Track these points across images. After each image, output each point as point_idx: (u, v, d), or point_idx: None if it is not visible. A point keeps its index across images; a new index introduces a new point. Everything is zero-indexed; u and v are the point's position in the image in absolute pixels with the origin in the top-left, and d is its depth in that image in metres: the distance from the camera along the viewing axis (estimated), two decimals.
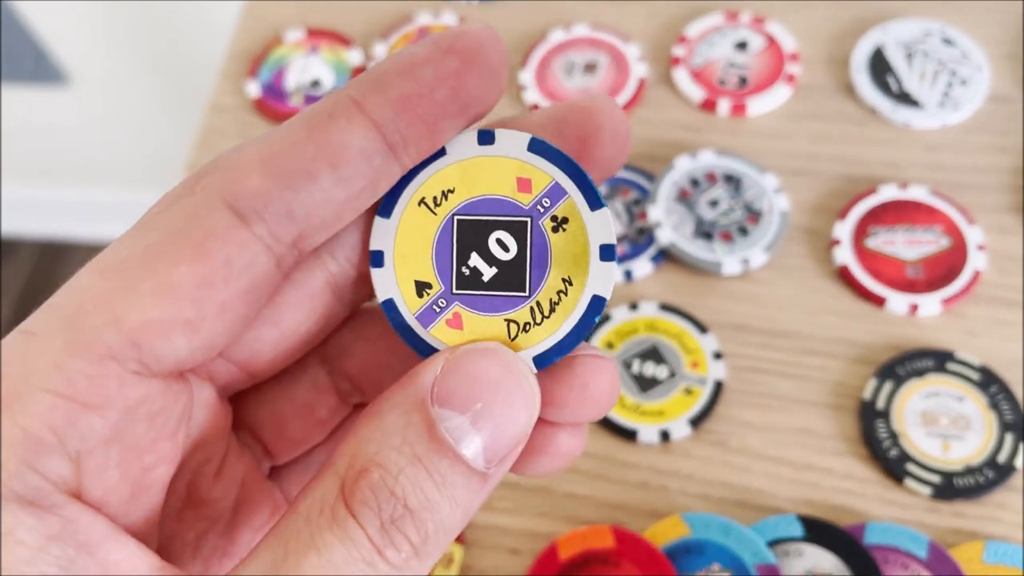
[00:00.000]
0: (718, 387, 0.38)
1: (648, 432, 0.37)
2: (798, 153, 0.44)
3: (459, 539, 0.36)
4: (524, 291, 0.18)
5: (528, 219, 0.18)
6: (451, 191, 0.18)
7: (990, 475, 0.35)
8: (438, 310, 0.19)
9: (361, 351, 0.21)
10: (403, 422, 0.16)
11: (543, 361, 0.18)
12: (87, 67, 1.06)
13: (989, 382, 0.37)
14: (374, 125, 0.17)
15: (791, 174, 0.43)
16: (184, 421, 0.18)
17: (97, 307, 0.15)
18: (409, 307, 0.19)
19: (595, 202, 0.18)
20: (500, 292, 0.18)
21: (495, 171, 0.18)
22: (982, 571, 0.33)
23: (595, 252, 0.18)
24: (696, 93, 0.46)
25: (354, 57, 0.50)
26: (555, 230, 0.18)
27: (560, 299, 0.18)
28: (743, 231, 0.41)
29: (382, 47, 0.50)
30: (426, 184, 0.18)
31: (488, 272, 0.18)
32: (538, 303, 0.18)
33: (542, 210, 0.18)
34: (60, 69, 1.06)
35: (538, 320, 0.18)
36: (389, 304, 0.19)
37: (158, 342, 0.16)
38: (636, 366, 0.39)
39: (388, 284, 0.19)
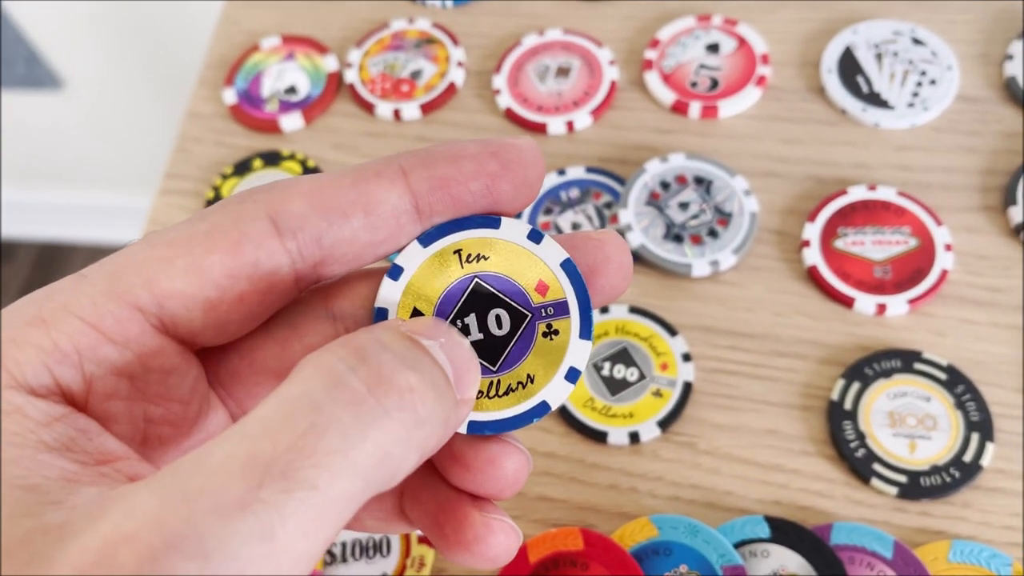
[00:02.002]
0: (687, 389, 0.38)
1: (618, 434, 0.37)
2: (768, 155, 0.44)
3: (430, 542, 0.36)
4: (493, 366, 0.20)
5: (530, 315, 0.21)
6: (485, 257, 0.21)
7: (956, 475, 0.35)
8: None
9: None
10: (387, 336, 0.18)
11: (477, 428, 0.20)
12: (81, 71, 1.06)
13: (956, 382, 0.37)
14: (410, 192, 0.20)
15: (761, 176, 0.44)
16: (197, 395, 0.20)
17: (137, 269, 0.18)
18: None
19: (586, 333, 0.20)
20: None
21: (527, 264, 0.21)
22: (948, 570, 0.33)
23: (563, 369, 0.20)
24: (667, 96, 0.46)
25: (330, 63, 0.50)
26: (544, 335, 0.20)
27: (517, 388, 0.20)
28: (713, 233, 0.41)
29: (357, 54, 0.50)
30: (469, 240, 0.21)
31: (475, 335, 0.20)
32: (499, 381, 0.20)
33: (544, 315, 0.21)
34: (54, 74, 1.06)
35: (490, 395, 0.20)
36: (381, 312, 0.20)
37: (179, 309, 0.18)
38: (606, 368, 0.39)
39: (391, 296, 0.21)
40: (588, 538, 0.35)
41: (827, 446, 0.37)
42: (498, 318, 0.20)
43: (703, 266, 0.41)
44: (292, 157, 0.47)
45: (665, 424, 0.37)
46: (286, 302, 0.20)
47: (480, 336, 0.20)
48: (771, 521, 0.34)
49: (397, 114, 0.48)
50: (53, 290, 0.18)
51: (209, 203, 0.46)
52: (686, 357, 0.39)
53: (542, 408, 0.20)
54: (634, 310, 0.40)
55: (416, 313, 0.20)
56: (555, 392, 0.20)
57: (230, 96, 0.50)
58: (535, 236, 0.21)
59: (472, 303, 0.21)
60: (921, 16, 0.47)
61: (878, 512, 0.35)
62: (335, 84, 0.50)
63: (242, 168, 0.47)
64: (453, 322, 0.20)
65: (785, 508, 0.36)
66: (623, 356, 0.39)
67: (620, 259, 0.21)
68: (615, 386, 0.38)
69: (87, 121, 1.14)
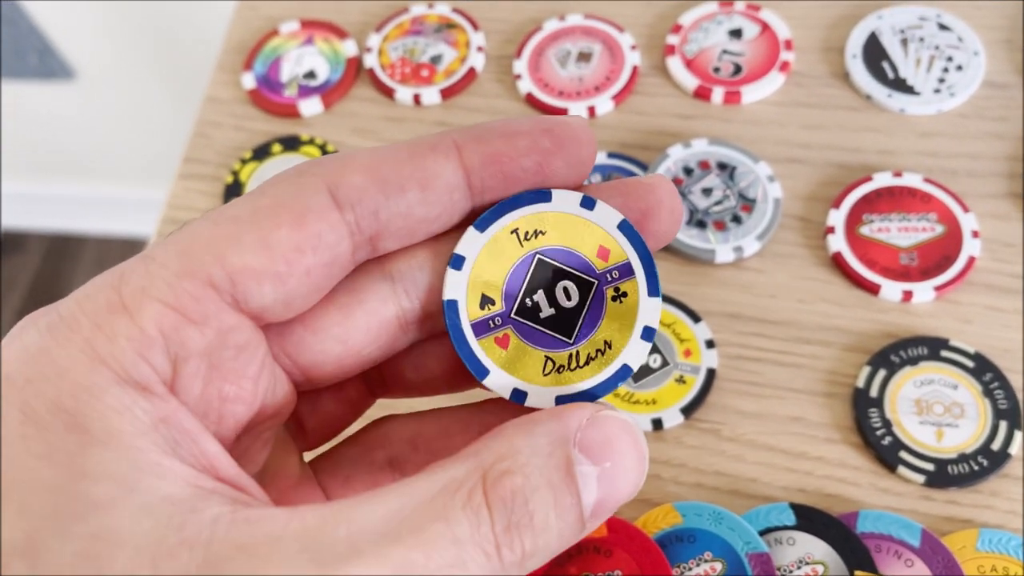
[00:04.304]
0: (711, 376, 0.38)
1: (641, 421, 0.37)
2: (792, 141, 0.44)
3: None
4: (570, 338, 0.21)
5: (596, 282, 0.21)
6: (543, 232, 0.21)
7: (984, 463, 0.35)
8: (492, 326, 0.21)
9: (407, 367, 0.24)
10: (548, 450, 0.18)
11: (565, 402, 0.20)
12: (93, 62, 1.06)
13: (983, 369, 0.37)
14: (464, 167, 0.20)
15: (785, 162, 0.43)
16: (265, 370, 0.20)
17: (206, 247, 0.18)
18: (469, 314, 0.21)
19: (654, 290, 0.21)
20: (550, 331, 0.21)
21: (585, 232, 0.21)
22: (976, 559, 0.33)
23: (639, 330, 0.21)
24: (690, 81, 0.46)
25: (349, 48, 0.50)
26: (614, 299, 0.21)
27: (597, 356, 0.20)
28: (736, 219, 0.41)
29: (376, 38, 0.50)
30: (524, 218, 0.21)
31: (546, 311, 0.21)
32: (577, 353, 0.20)
33: (610, 279, 0.21)
34: (66, 65, 1.06)
35: (572, 367, 0.20)
36: (452, 305, 0.21)
37: (251, 284, 0.18)
38: None
39: (458, 287, 0.21)
40: (611, 525, 0.34)
41: (852, 433, 0.36)
42: (566, 290, 0.21)
43: (727, 252, 0.40)
44: (311, 142, 0.47)
45: (688, 411, 0.37)
46: (344, 275, 0.20)
47: (552, 311, 0.21)
48: (796, 508, 0.34)
49: (417, 99, 0.47)
50: (124, 273, 0.18)
51: (228, 188, 0.46)
52: (709, 344, 0.38)
53: (624, 371, 0.20)
54: None
55: (485, 300, 0.21)
56: (634, 353, 0.21)
57: (249, 81, 0.49)
58: (588, 203, 0.21)
59: (538, 280, 0.21)
60: (947, 2, 0.47)
61: (904, 500, 0.35)
62: (354, 69, 0.49)
63: (261, 153, 0.47)
64: (522, 302, 0.21)
65: (810, 496, 0.35)
66: None
67: (671, 203, 0.21)
68: (638, 372, 0.38)
69: (99, 112, 1.14)
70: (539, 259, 0.21)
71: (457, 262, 0.21)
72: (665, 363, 0.38)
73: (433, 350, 0.23)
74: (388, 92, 0.48)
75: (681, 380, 0.38)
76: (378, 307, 0.21)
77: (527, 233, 0.21)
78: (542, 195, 0.21)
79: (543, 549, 0.17)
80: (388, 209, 0.19)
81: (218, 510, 0.16)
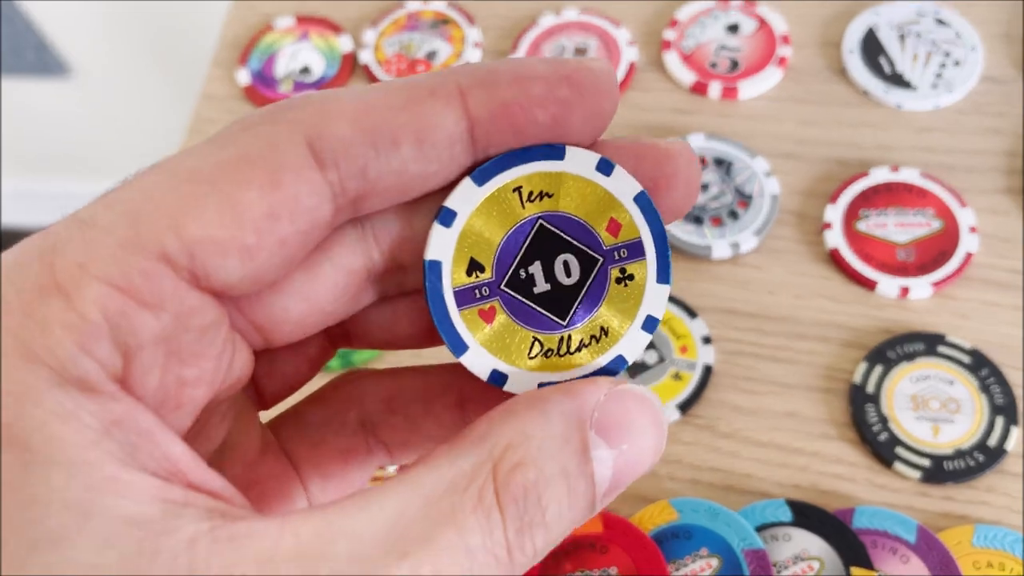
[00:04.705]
0: (707, 372, 0.38)
1: None
2: (789, 136, 0.44)
3: None
4: (563, 320, 0.18)
5: (601, 260, 0.18)
6: (549, 195, 0.18)
7: (980, 459, 0.35)
8: (478, 296, 0.18)
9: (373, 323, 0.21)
10: (564, 435, 0.16)
11: None
12: (90, 58, 1.06)
13: (980, 365, 0.36)
14: (467, 117, 0.17)
15: (782, 157, 0.43)
16: (228, 347, 0.17)
17: (159, 210, 0.15)
18: (453, 279, 0.18)
19: (664, 276, 0.18)
20: (542, 309, 0.18)
21: (596, 200, 0.18)
22: (972, 555, 0.33)
23: (640, 319, 0.18)
24: (687, 76, 0.45)
25: (344, 43, 0.50)
26: (618, 281, 0.18)
27: (591, 343, 0.18)
28: (733, 215, 0.41)
29: (372, 34, 0.50)
30: (530, 176, 0.18)
31: (541, 286, 0.18)
32: (569, 337, 0.18)
33: (617, 258, 0.18)
34: (63, 61, 1.06)
35: (561, 352, 0.18)
36: (435, 267, 0.18)
37: (213, 258, 0.15)
38: None
39: (444, 247, 0.18)
40: (607, 521, 0.34)
41: (849, 429, 0.36)
42: (566, 264, 0.18)
43: (723, 248, 0.40)
44: None
45: (685, 407, 0.37)
46: (320, 241, 0.17)
47: (547, 287, 0.18)
48: (793, 504, 0.34)
49: None
50: (56, 242, 0.15)
51: None
52: (706, 340, 0.38)
53: (618, 363, 0.19)
54: None
55: (474, 265, 0.18)
56: (632, 344, 0.18)
57: (244, 77, 0.49)
58: (605, 167, 0.18)
59: (536, 249, 0.18)
60: None
61: (901, 496, 0.35)
62: (350, 65, 0.49)
63: None
64: (515, 272, 0.18)
65: (806, 492, 0.35)
66: None
67: (688, 174, 0.19)
68: (634, 369, 0.38)
69: (96, 108, 1.13)
70: (541, 225, 0.18)
71: (447, 217, 0.18)
72: (661, 359, 0.38)
73: (406, 308, 0.20)
74: None
75: (677, 376, 0.38)
76: (347, 259, 0.18)
77: (531, 194, 0.18)
78: (554, 151, 0.18)
79: (554, 542, 0.16)
80: (378, 166, 0.16)
81: (195, 528, 0.14)
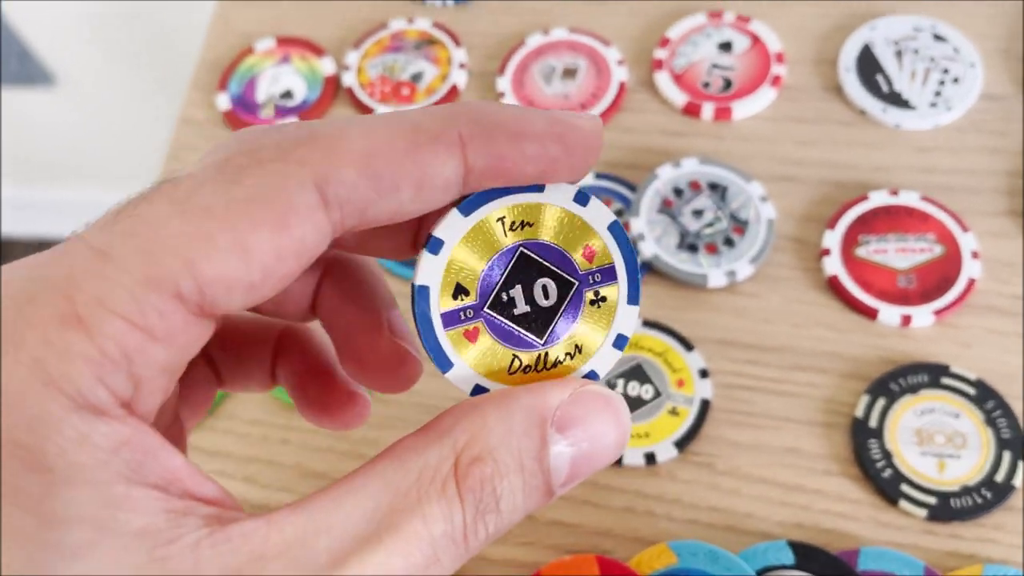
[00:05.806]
0: (705, 407, 0.37)
1: (633, 455, 0.36)
2: (785, 158, 0.43)
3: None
4: (541, 339, 0.20)
5: (577, 283, 0.20)
6: (530, 224, 0.20)
7: (988, 495, 0.34)
8: (463, 318, 0.20)
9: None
10: (523, 430, 0.18)
11: None
12: (74, 67, 1.05)
13: (986, 397, 0.35)
14: (464, 164, 0.18)
15: (778, 180, 0.42)
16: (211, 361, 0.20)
17: (175, 248, 0.16)
18: (441, 303, 0.19)
19: (634, 298, 0.20)
20: (521, 330, 0.20)
21: (573, 228, 0.20)
22: None
23: (611, 336, 0.20)
24: (679, 97, 0.44)
25: (327, 66, 0.48)
26: (592, 303, 0.20)
27: (565, 359, 0.20)
28: (729, 242, 0.40)
29: (355, 55, 0.48)
30: (512, 207, 0.20)
31: (521, 308, 0.20)
32: (546, 355, 0.20)
33: (591, 282, 0.20)
34: (47, 70, 1.04)
35: (539, 368, 0.20)
36: (423, 291, 0.19)
37: (221, 294, 0.17)
38: (620, 386, 0.37)
39: (432, 272, 0.19)
40: (605, 566, 0.33)
41: (851, 465, 0.35)
42: (545, 288, 0.20)
43: (719, 276, 0.39)
44: None
45: (682, 444, 0.36)
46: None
47: (527, 309, 0.20)
48: (795, 547, 0.33)
49: None
50: (73, 272, 0.16)
51: None
52: (703, 373, 0.37)
53: (590, 377, 0.20)
54: (648, 323, 0.38)
55: (459, 289, 0.19)
56: (603, 360, 0.20)
57: (224, 102, 0.48)
58: (582, 198, 0.20)
59: (517, 274, 0.20)
60: (942, 11, 0.45)
61: (906, 535, 0.34)
62: (333, 88, 0.48)
63: None
64: (498, 296, 0.20)
65: (808, 531, 0.34)
66: (637, 373, 0.37)
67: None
68: (630, 404, 0.37)
69: (81, 117, 1.12)
70: (522, 252, 0.20)
71: (435, 246, 0.19)
72: (657, 394, 0.37)
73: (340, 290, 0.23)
74: (368, 112, 0.47)
75: (674, 412, 0.37)
76: (310, 238, 0.18)
77: (513, 223, 0.20)
78: (535, 185, 0.20)
79: (507, 527, 0.18)
80: (377, 207, 0.18)
81: (196, 535, 0.16)
